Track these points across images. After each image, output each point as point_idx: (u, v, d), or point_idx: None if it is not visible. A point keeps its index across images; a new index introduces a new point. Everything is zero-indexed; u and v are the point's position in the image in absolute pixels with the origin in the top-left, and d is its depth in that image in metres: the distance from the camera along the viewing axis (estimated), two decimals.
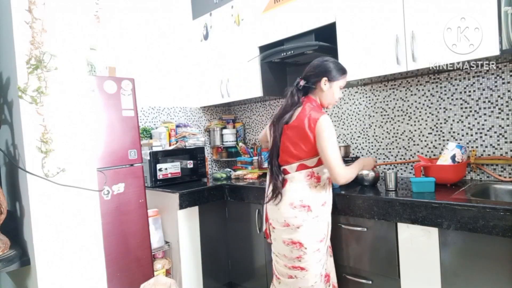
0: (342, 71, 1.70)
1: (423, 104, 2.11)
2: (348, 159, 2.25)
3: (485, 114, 1.90)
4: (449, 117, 2.02)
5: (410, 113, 2.17)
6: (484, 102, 1.90)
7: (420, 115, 2.13)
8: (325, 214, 1.66)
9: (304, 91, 1.69)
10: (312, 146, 1.59)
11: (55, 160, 1.10)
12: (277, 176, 1.66)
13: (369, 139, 2.38)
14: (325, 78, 1.65)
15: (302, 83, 1.67)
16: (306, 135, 1.58)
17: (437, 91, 2.06)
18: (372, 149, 2.36)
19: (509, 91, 1.82)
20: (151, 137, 2.68)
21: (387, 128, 2.28)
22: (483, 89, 1.89)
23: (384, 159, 2.31)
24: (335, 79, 1.67)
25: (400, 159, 2.23)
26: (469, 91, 1.94)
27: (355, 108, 2.43)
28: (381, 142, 2.32)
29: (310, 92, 1.70)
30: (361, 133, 2.41)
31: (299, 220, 1.59)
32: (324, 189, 1.66)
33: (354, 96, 2.42)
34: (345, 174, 1.56)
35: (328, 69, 1.66)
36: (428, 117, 2.10)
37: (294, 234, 1.60)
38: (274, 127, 1.70)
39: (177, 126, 2.85)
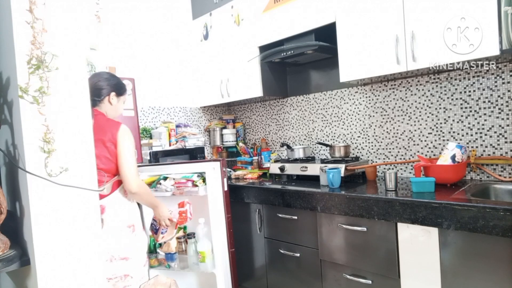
0: (125, 87, 1.77)
1: (423, 104, 2.11)
2: (348, 159, 2.25)
3: (485, 114, 1.90)
4: (449, 117, 2.02)
5: (410, 113, 2.17)
6: (484, 102, 1.90)
7: (420, 115, 2.13)
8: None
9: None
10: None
11: (57, 160, 1.10)
12: None
13: (369, 139, 2.38)
14: (113, 93, 1.68)
15: None
16: (110, 146, 1.55)
17: (437, 91, 2.06)
18: (372, 149, 2.36)
19: (509, 91, 1.82)
20: (151, 137, 2.68)
21: (387, 128, 2.28)
22: (483, 89, 1.90)
23: (384, 159, 2.31)
24: (123, 94, 1.74)
25: (400, 159, 2.24)
26: (469, 91, 1.94)
27: (355, 108, 2.43)
28: (381, 142, 2.32)
29: (96, 106, 1.65)
30: (361, 133, 2.41)
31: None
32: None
33: (354, 96, 2.42)
34: (140, 183, 1.61)
35: (117, 83, 1.71)
36: (428, 117, 2.10)
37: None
38: None
39: (177, 126, 2.85)
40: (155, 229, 1.90)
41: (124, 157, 1.56)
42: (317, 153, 2.69)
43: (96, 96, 1.63)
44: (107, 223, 1.54)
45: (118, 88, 1.71)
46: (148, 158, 2.42)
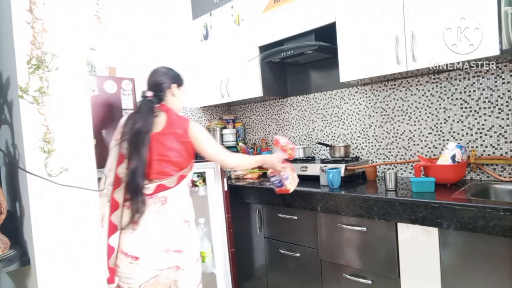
0: (182, 76, 1.78)
1: (423, 104, 2.11)
2: (348, 159, 2.25)
3: (485, 114, 1.90)
4: (449, 117, 2.02)
5: (410, 113, 2.17)
6: (484, 102, 1.90)
7: (420, 115, 2.13)
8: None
9: (157, 100, 1.65)
10: (189, 153, 1.60)
11: (57, 160, 1.10)
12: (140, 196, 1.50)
13: (369, 139, 2.38)
14: (174, 85, 1.69)
15: (149, 94, 1.64)
16: (182, 141, 1.57)
17: (437, 91, 2.06)
18: (372, 149, 2.36)
19: (509, 91, 1.82)
20: None
21: (387, 128, 2.28)
22: (483, 89, 1.90)
23: (384, 159, 2.31)
24: (182, 84, 1.75)
25: (400, 159, 2.24)
26: (469, 91, 1.94)
27: (355, 108, 2.43)
28: (381, 142, 2.32)
29: (162, 100, 1.66)
30: (361, 133, 2.41)
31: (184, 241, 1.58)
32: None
33: (354, 96, 2.42)
34: (233, 157, 1.69)
35: (175, 75, 1.72)
36: (428, 117, 2.10)
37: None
38: (133, 140, 1.51)
39: None
40: (279, 182, 1.86)
41: (208, 146, 1.62)
42: (317, 153, 2.69)
43: (159, 91, 1.65)
44: (166, 214, 1.54)
45: (178, 79, 1.73)
46: None
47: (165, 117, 1.59)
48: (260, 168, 2.68)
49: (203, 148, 1.61)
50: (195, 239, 1.67)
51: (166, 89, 1.67)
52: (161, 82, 1.67)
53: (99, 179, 1.84)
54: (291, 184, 1.87)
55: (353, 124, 2.45)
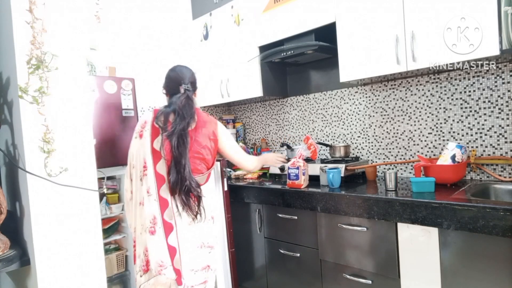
0: None
1: (423, 104, 2.11)
2: (348, 159, 2.25)
3: (485, 114, 1.90)
4: (449, 117, 2.02)
5: (410, 113, 2.17)
6: (484, 102, 1.90)
7: (420, 115, 2.13)
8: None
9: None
10: (215, 152, 1.66)
11: (57, 160, 1.10)
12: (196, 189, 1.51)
13: (369, 139, 2.38)
14: (197, 89, 1.72)
15: (191, 88, 1.65)
16: (211, 139, 1.62)
17: (437, 91, 2.06)
18: (372, 149, 2.36)
19: (509, 91, 1.82)
20: None
21: (387, 128, 2.28)
22: (483, 89, 1.90)
23: (384, 159, 2.31)
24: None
25: (400, 159, 2.24)
26: (469, 91, 1.94)
27: (355, 108, 2.43)
28: (381, 142, 2.32)
29: None
30: (361, 133, 2.41)
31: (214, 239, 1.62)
32: None
33: (354, 96, 2.42)
34: (252, 161, 1.88)
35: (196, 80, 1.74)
36: (428, 117, 2.10)
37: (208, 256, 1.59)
38: (181, 135, 1.48)
39: None
40: (296, 176, 2.04)
41: (232, 148, 1.74)
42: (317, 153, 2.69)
43: (194, 88, 1.68)
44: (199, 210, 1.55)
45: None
46: None
47: (195, 115, 1.62)
48: (262, 167, 2.68)
49: (227, 149, 1.71)
50: (217, 235, 1.71)
51: (196, 89, 1.71)
52: (195, 81, 1.70)
53: (100, 179, 1.84)
54: (304, 182, 2.03)
55: (353, 124, 2.45)
